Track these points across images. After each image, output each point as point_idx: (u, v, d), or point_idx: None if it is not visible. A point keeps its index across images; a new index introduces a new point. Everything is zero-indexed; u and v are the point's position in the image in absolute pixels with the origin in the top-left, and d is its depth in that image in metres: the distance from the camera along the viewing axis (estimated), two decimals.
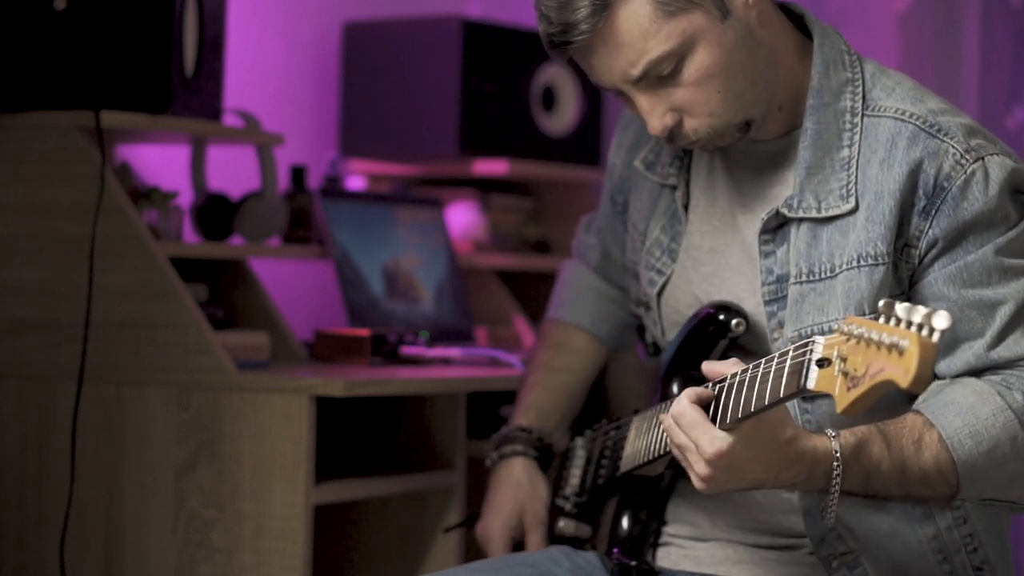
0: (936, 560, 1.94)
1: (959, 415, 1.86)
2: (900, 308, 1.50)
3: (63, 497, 2.64)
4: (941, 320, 1.48)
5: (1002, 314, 1.89)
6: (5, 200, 2.75)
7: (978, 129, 1.93)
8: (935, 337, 1.48)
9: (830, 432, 1.80)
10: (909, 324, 1.49)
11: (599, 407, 2.28)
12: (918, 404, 1.90)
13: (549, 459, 2.25)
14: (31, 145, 2.72)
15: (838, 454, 1.78)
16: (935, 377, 1.92)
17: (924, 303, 1.90)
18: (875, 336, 1.52)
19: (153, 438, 2.63)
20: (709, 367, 1.80)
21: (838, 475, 1.78)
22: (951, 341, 1.90)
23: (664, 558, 2.06)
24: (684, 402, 1.76)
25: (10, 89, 2.70)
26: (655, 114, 1.92)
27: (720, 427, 1.73)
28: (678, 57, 1.88)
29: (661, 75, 1.89)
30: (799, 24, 2.02)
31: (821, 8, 3.61)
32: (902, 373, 1.48)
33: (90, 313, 2.64)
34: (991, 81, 3.59)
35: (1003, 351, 1.89)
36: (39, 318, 2.71)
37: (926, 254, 1.90)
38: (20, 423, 2.72)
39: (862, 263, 1.89)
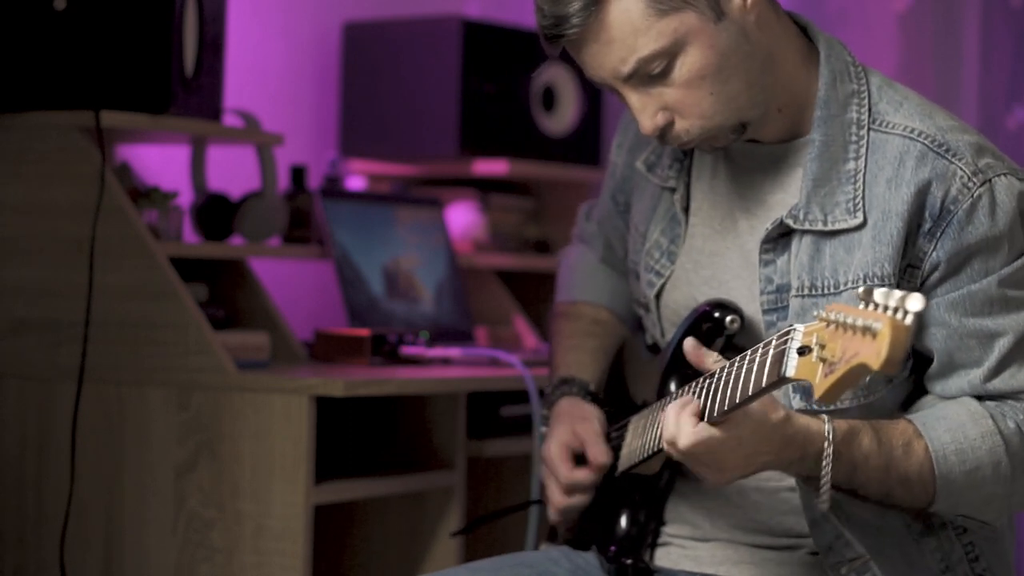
0: (939, 569, 1.94)
1: (949, 431, 1.87)
2: (878, 293, 1.51)
3: (63, 497, 2.64)
4: (915, 302, 1.48)
5: (1001, 345, 1.89)
6: (5, 200, 2.75)
7: (986, 147, 1.92)
8: (908, 320, 1.48)
9: (824, 417, 1.82)
10: (886, 308, 1.50)
11: (620, 393, 2.26)
12: (911, 414, 1.91)
13: (598, 403, 2.19)
14: (31, 145, 2.72)
15: (830, 435, 1.80)
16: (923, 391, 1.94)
17: (924, 326, 1.90)
18: (851, 321, 1.52)
19: (153, 438, 2.63)
20: (692, 346, 1.83)
21: (829, 453, 1.80)
22: (948, 366, 1.91)
23: (664, 558, 2.06)
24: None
25: (10, 89, 2.70)
26: (646, 113, 1.91)
27: (708, 421, 1.75)
28: (669, 56, 1.87)
29: (651, 74, 1.88)
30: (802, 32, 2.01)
31: (821, 9, 3.60)
32: (875, 355, 1.49)
33: (90, 313, 2.64)
34: (991, 81, 3.59)
35: (999, 383, 1.90)
36: (39, 318, 2.71)
37: (928, 276, 1.90)
38: (20, 423, 2.72)
39: (868, 283, 1.89)
